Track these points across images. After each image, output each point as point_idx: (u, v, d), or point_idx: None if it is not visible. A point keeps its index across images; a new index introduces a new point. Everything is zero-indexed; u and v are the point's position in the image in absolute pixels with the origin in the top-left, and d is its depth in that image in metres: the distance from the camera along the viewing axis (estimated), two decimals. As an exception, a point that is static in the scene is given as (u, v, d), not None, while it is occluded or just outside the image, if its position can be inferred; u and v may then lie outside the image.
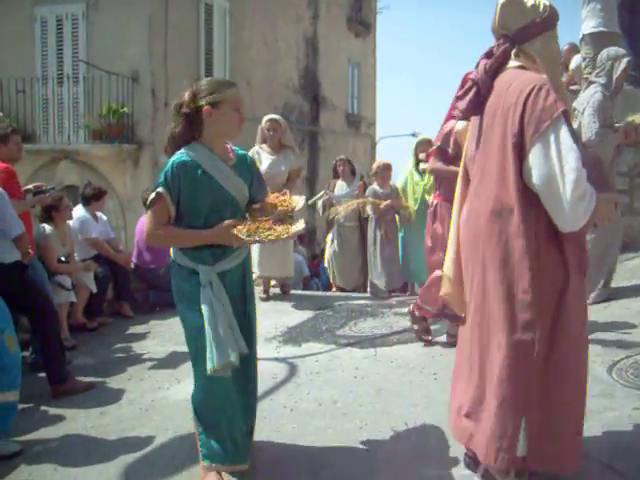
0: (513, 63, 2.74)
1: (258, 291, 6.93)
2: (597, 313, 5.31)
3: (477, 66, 2.82)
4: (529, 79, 2.59)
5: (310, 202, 7.93)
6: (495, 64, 2.74)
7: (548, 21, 2.72)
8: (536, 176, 2.49)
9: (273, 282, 7.65)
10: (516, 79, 2.64)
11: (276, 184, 6.78)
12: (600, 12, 7.30)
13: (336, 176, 8.75)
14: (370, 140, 22.27)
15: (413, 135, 31.56)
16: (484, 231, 2.68)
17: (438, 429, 3.58)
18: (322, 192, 8.71)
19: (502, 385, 2.61)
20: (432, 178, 6.55)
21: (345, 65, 20.00)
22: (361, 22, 20.52)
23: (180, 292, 3.17)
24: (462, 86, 4.40)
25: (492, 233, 2.65)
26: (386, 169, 7.66)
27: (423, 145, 7.06)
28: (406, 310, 5.70)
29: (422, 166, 6.95)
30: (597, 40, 7.34)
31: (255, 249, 6.70)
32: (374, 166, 7.91)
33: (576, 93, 8.88)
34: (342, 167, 8.62)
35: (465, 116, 2.90)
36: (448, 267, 3.02)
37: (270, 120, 7.04)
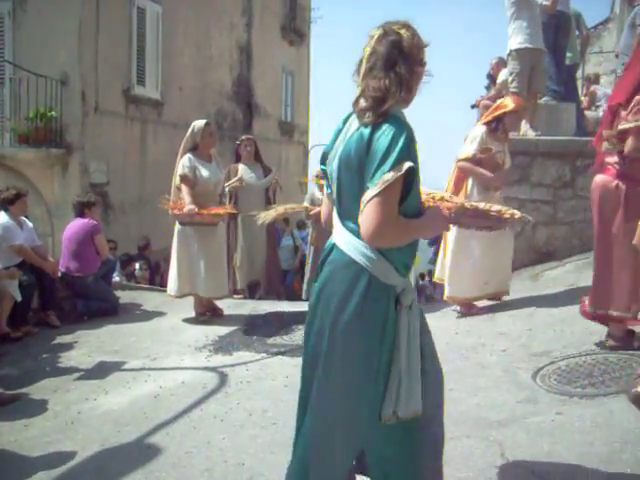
0: None
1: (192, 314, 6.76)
2: (521, 321, 5.47)
3: None
4: None
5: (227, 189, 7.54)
6: None
7: None
8: None
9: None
10: None
11: (216, 193, 6.68)
12: (526, 29, 7.56)
13: (237, 159, 8.05)
14: (303, 148, 22.39)
15: (346, 144, 31.68)
16: None
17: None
18: (235, 179, 7.75)
19: None
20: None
21: (279, 73, 20.03)
22: (295, 31, 20.61)
23: (376, 321, 2.30)
24: None
25: None
26: None
27: None
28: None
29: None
30: (523, 55, 7.62)
31: (189, 265, 6.39)
32: (317, 170, 7.88)
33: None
34: (249, 148, 8.02)
35: None
36: None
37: (208, 125, 6.54)
